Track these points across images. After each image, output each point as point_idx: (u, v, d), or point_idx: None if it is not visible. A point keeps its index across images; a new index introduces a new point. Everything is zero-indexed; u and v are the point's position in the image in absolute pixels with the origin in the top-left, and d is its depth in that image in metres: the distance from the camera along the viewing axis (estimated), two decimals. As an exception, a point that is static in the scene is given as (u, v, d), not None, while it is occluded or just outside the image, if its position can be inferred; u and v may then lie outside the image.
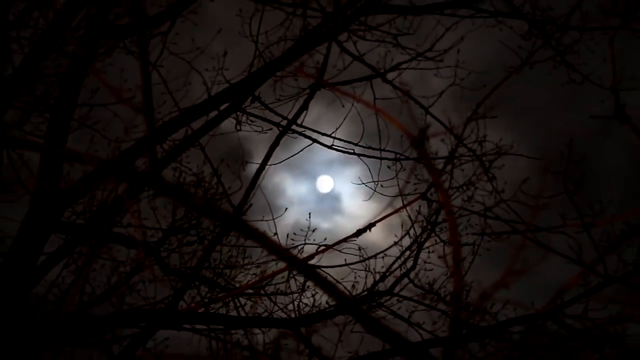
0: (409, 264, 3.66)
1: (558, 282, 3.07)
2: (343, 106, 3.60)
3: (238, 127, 3.67)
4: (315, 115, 3.69)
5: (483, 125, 3.52)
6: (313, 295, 3.71)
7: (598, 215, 3.08)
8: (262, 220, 3.62)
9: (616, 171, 3.56)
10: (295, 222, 3.68)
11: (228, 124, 3.63)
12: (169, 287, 3.63)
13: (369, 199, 3.66)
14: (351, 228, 3.55)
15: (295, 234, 3.63)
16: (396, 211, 3.61)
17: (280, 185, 3.68)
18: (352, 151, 3.63)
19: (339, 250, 3.59)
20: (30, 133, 3.67)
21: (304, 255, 3.58)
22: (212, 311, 3.57)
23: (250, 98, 3.61)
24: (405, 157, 3.67)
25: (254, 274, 3.73)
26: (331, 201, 3.63)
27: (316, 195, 3.65)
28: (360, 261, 3.63)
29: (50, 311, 3.58)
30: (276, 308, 3.70)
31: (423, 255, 3.66)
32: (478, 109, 3.52)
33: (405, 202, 3.62)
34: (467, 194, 3.59)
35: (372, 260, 3.65)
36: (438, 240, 3.63)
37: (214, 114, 3.49)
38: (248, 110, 3.64)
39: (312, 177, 3.68)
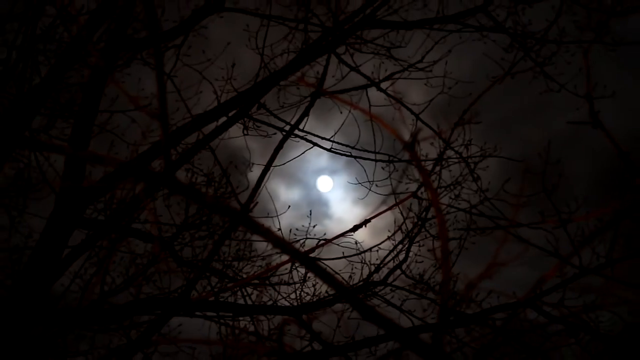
0: (401, 256, 3.67)
1: (537, 274, 3.10)
2: (341, 112, 3.61)
3: (245, 132, 3.69)
4: (315, 120, 3.71)
5: (469, 130, 3.53)
6: (314, 285, 3.74)
7: (574, 212, 3.11)
8: (266, 217, 3.65)
9: (589, 172, 3.58)
10: (290, 225, 3.72)
11: (236, 128, 3.65)
12: (182, 277, 3.66)
13: (364, 197, 3.67)
14: (339, 230, 3.58)
15: (297, 229, 3.64)
16: (390, 208, 3.63)
17: (275, 191, 3.68)
18: (349, 154, 3.64)
19: (337, 244, 3.59)
20: (56, 137, 3.69)
21: (305, 249, 3.62)
22: (221, 300, 3.59)
23: (256, 105, 3.63)
24: (398, 159, 3.69)
25: (259, 265, 3.74)
26: (321, 206, 3.64)
27: (307, 201, 3.67)
28: (356, 254, 3.63)
29: (74, 300, 3.59)
30: (280, 297, 3.73)
31: (414, 248, 3.68)
32: (464, 115, 3.53)
33: (397, 200, 3.65)
34: (454, 192, 3.60)
35: (367, 254, 3.67)
36: (428, 235, 3.63)
37: (223, 119, 3.53)
38: (254, 117, 3.67)
39: (304, 184, 3.69)
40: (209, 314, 3.55)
